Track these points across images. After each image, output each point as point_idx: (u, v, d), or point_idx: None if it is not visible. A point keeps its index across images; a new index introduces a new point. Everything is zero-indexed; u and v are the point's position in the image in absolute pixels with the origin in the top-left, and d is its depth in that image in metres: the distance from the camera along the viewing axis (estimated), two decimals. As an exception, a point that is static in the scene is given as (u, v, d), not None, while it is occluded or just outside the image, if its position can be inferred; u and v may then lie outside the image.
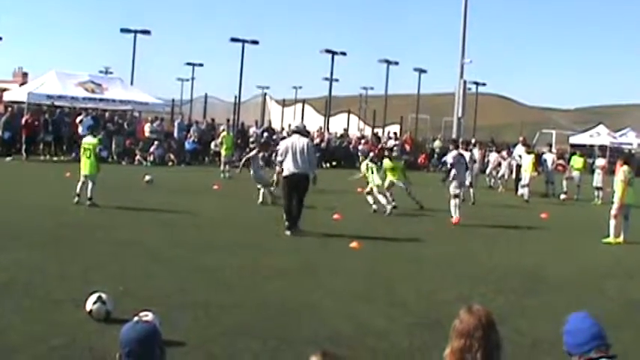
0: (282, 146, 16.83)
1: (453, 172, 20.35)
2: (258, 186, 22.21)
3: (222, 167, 32.67)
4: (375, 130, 57.79)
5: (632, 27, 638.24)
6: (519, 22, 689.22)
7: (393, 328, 9.09)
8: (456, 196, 20.19)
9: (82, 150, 20.19)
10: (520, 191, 29.79)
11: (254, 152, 23.93)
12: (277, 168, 17.04)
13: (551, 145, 36.76)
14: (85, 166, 19.47)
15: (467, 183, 23.07)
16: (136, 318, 4.54)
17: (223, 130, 38.41)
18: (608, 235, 17.86)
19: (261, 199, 21.94)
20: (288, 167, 16.36)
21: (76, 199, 19.09)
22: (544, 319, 9.64)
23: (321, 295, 10.71)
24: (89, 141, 20.04)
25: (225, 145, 33.72)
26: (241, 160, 25.67)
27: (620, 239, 17.76)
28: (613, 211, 17.98)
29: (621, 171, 18.60)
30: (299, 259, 13.53)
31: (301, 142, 16.54)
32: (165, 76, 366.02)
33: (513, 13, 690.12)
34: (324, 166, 40.81)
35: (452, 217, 19.89)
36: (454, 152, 21.61)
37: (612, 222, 17.95)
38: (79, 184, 19.30)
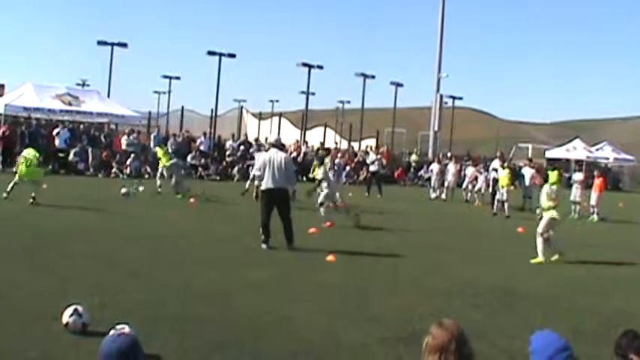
0: (259, 160, 16.62)
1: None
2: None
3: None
4: (352, 144, 57.92)
5: (609, 43, 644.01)
6: (496, 37, 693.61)
7: (368, 342, 9.07)
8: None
9: (22, 158, 22.86)
10: (496, 206, 29.85)
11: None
12: (255, 182, 16.84)
13: (531, 160, 36.77)
14: (26, 172, 22.37)
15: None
16: (112, 331, 4.52)
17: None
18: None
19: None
20: (266, 182, 16.22)
21: (5, 195, 22.20)
22: (521, 334, 9.59)
23: (297, 308, 10.70)
24: (31, 153, 22.75)
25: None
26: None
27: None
28: (539, 229, 17.18)
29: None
30: (275, 273, 13.52)
31: (279, 157, 16.33)
32: (142, 88, 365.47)
33: (490, 28, 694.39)
34: (299, 179, 40.71)
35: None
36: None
37: (539, 240, 17.16)
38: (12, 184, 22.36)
